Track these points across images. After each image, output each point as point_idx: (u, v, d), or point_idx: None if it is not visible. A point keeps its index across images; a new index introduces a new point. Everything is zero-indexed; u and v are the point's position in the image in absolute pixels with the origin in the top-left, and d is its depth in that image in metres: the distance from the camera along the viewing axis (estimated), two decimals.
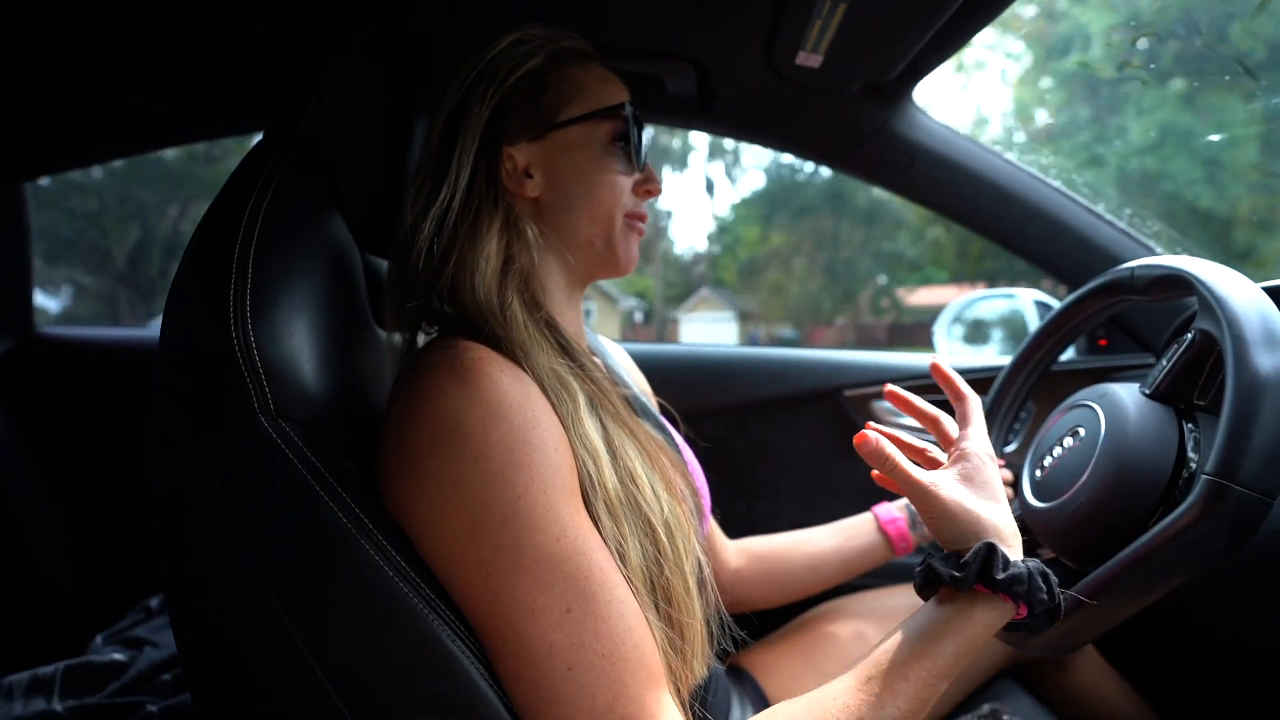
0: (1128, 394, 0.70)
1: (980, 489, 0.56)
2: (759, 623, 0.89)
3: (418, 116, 0.82)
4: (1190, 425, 0.65)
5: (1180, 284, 0.68)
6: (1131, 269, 0.74)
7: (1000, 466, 0.83)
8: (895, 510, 0.93)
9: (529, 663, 0.49)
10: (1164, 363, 0.69)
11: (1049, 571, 0.53)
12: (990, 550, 0.52)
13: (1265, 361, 0.56)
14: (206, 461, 0.52)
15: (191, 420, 0.53)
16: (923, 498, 0.55)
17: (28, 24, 0.86)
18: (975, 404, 0.62)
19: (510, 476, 0.50)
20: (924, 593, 0.55)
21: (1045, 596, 0.52)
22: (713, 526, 0.94)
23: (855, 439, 0.58)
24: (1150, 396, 0.69)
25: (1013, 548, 0.54)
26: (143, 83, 1.04)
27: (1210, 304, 0.62)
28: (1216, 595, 0.69)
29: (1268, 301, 0.60)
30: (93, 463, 1.41)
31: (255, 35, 0.88)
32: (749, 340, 15.87)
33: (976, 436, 0.59)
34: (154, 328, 1.63)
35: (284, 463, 0.51)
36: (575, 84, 0.67)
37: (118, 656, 0.99)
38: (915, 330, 16.74)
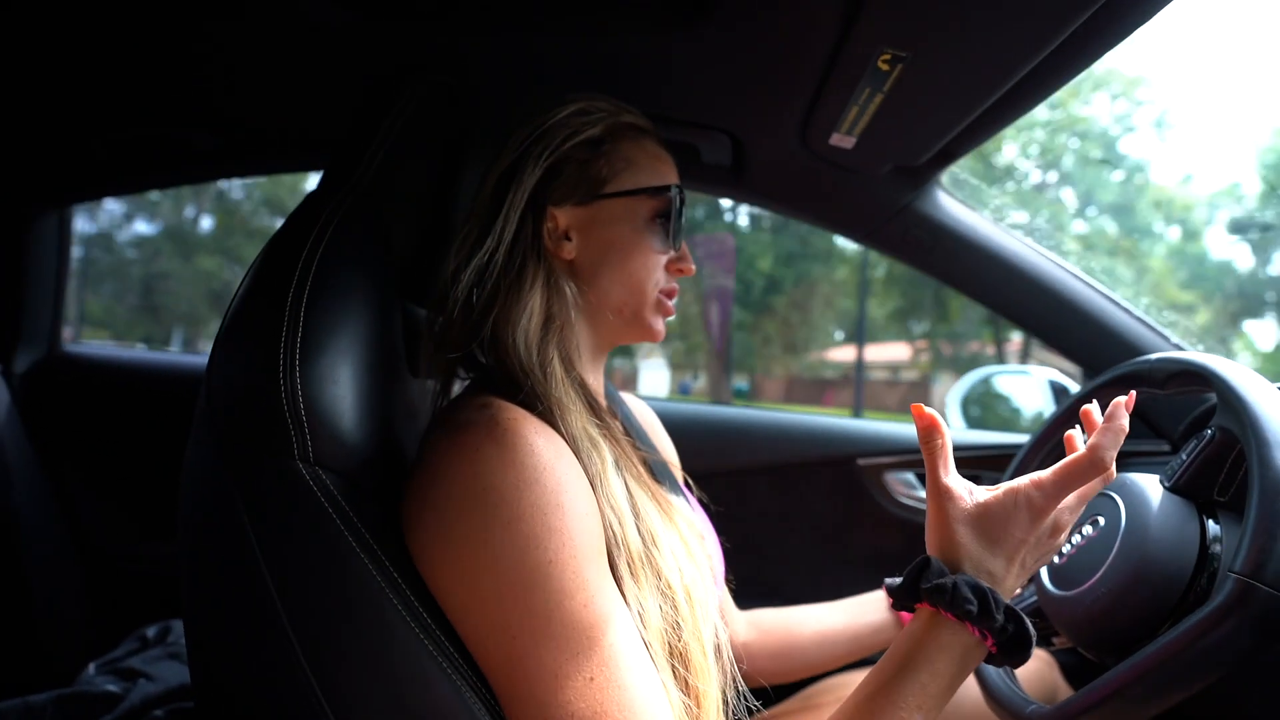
0: (1149, 485, 0.70)
1: (992, 534, 0.54)
2: (773, 693, 0.88)
3: (464, 169, 0.85)
4: (1212, 521, 0.65)
5: (1199, 379, 0.69)
6: (1151, 362, 0.75)
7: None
8: None
9: None
10: (1184, 457, 0.69)
11: (995, 593, 0.52)
12: (925, 564, 0.54)
13: None
14: (240, 501, 0.53)
15: (231, 459, 0.54)
16: (936, 496, 0.56)
17: (81, 51, 0.90)
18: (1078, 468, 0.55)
19: (543, 540, 0.51)
20: (895, 602, 0.56)
21: (977, 611, 0.51)
22: (724, 595, 0.93)
23: (912, 406, 0.58)
24: (1170, 490, 0.69)
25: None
26: (194, 116, 1.08)
27: (1231, 402, 0.63)
28: (1237, 701, 0.68)
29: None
30: (105, 484, 1.41)
31: (311, 76, 0.92)
32: (680, 389, 15.91)
33: (1054, 490, 0.54)
34: (177, 352, 1.64)
35: (318, 510, 0.52)
36: (627, 159, 0.70)
37: (111, 688, 0.97)
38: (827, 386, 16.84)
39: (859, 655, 0.90)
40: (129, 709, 0.93)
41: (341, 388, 0.56)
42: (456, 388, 0.70)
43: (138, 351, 1.54)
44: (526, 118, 0.69)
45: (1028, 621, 0.53)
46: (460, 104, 0.81)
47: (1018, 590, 0.57)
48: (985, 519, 0.54)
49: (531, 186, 0.67)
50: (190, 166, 1.25)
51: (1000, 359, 12.55)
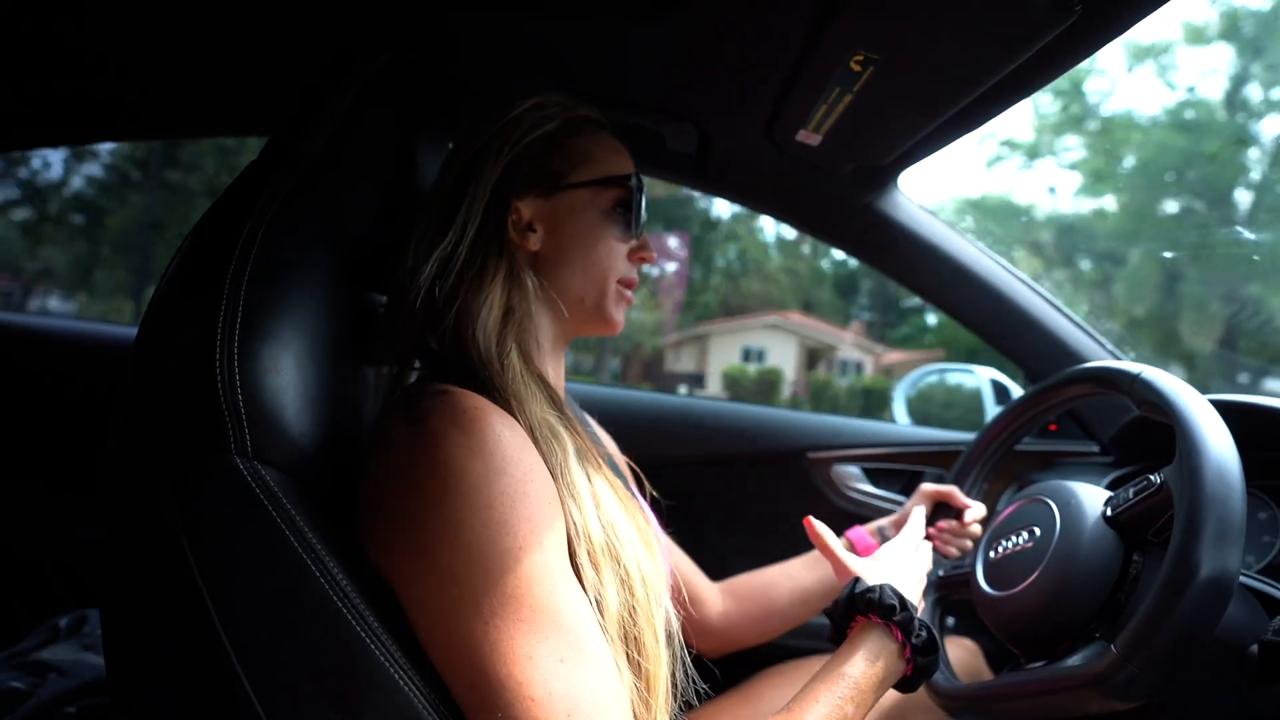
0: (1089, 509, 0.70)
1: (885, 565, 0.72)
2: (721, 674, 0.89)
3: (421, 151, 0.81)
4: (1137, 555, 0.67)
5: (1169, 419, 0.67)
6: (1134, 375, 0.73)
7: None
8: (868, 535, 0.96)
9: (530, 711, 0.48)
10: (1130, 494, 0.68)
11: (908, 600, 0.65)
12: (854, 581, 0.66)
13: (1206, 560, 0.56)
14: (171, 497, 0.49)
15: (159, 450, 0.50)
16: (843, 573, 0.71)
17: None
18: (912, 522, 0.83)
19: (513, 527, 0.51)
20: (835, 621, 0.68)
21: (897, 609, 0.63)
22: (695, 571, 0.97)
23: (804, 521, 0.74)
24: (1108, 520, 0.69)
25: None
26: (124, 73, 0.99)
27: (1185, 472, 0.61)
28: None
29: (1238, 492, 0.59)
30: (14, 461, 1.31)
31: (260, 39, 0.85)
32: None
33: (901, 541, 0.77)
34: (107, 324, 1.53)
35: (257, 508, 0.49)
36: (585, 151, 0.72)
37: (16, 684, 0.90)
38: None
39: (830, 595, 0.94)
40: (37, 706, 0.87)
41: (284, 377, 0.53)
42: (410, 377, 0.69)
43: (52, 320, 1.43)
44: (482, 110, 0.70)
45: (935, 633, 0.65)
46: (421, 82, 0.77)
47: (920, 605, 0.72)
48: (878, 561, 0.73)
49: (493, 181, 0.68)
50: (122, 124, 1.15)
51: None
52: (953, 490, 0.92)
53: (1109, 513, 0.70)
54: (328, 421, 0.58)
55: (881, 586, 0.65)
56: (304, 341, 0.56)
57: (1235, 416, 0.68)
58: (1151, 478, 0.66)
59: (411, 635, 0.52)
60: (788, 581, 0.96)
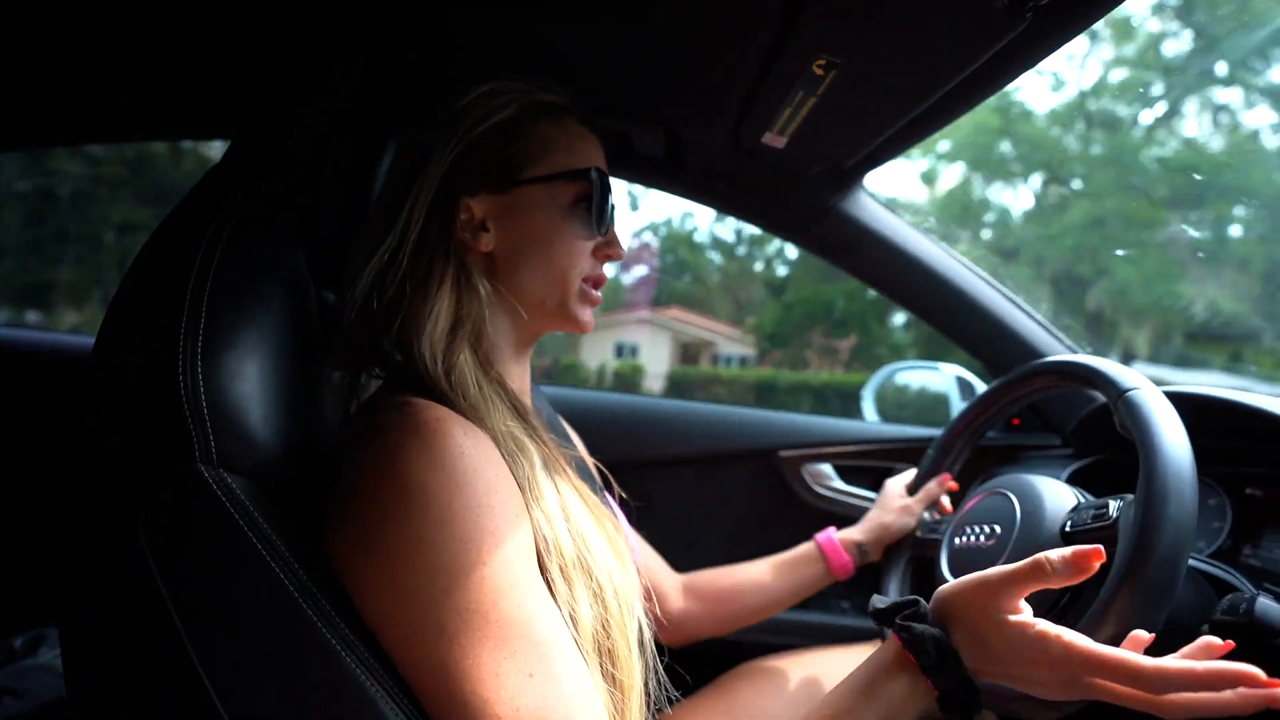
0: (1048, 520, 0.72)
1: (1003, 651, 0.51)
2: (693, 681, 0.89)
3: (386, 152, 0.81)
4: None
5: (1137, 436, 0.66)
6: (1125, 388, 0.71)
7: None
8: (835, 537, 0.96)
9: None
10: (1088, 518, 0.69)
11: (949, 648, 0.52)
12: (915, 602, 0.54)
13: (1134, 617, 0.57)
14: (136, 507, 0.48)
15: (122, 459, 0.49)
16: (1005, 601, 0.51)
17: None
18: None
19: (476, 541, 0.50)
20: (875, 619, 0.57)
21: (931, 664, 0.51)
22: (659, 564, 0.96)
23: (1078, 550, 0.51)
24: (1065, 537, 0.70)
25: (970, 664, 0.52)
26: (123, 73, 0.95)
27: (1142, 519, 0.60)
28: None
29: (1184, 545, 0.59)
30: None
31: (259, 39, 0.83)
32: None
33: (1089, 669, 0.48)
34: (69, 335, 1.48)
35: (223, 516, 0.48)
36: (545, 140, 0.66)
37: None
38: None
39: (796, 602, 0.96)
40: None
41: (250, 384, 0.52)
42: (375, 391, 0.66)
43: (12, 331, 1.38)
44: (436, 99, 0.65)
45: (979, 692, 0.52)
46: (382, 82, 0.76)
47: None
48: (1015, 641, 0.50)
49: (440, 176, 0.63)
50: (126, 122, 1.11)
51: None
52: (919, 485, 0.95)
53: (1067, 528, 0.71)
54: (296, 427, 0.57)
55: (924, 632, 0.52)
56: (270, 347, 0.55)
57: (1187, 407, 0.70)
58: (1111, 509, 0.66)
59: None
60: (756, 591, 0.95)
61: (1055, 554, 0.49)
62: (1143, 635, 0.51)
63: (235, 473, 0.50)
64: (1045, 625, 0.49)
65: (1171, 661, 0.46)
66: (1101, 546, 0.49)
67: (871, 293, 1.22)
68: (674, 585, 0.96)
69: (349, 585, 0.51)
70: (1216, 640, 0.48)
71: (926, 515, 0.98)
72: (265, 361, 0.54)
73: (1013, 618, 0.50)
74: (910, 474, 1.04)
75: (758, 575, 0.96)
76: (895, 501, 0.98)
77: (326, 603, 0.49)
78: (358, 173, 0.73)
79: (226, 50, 0.85)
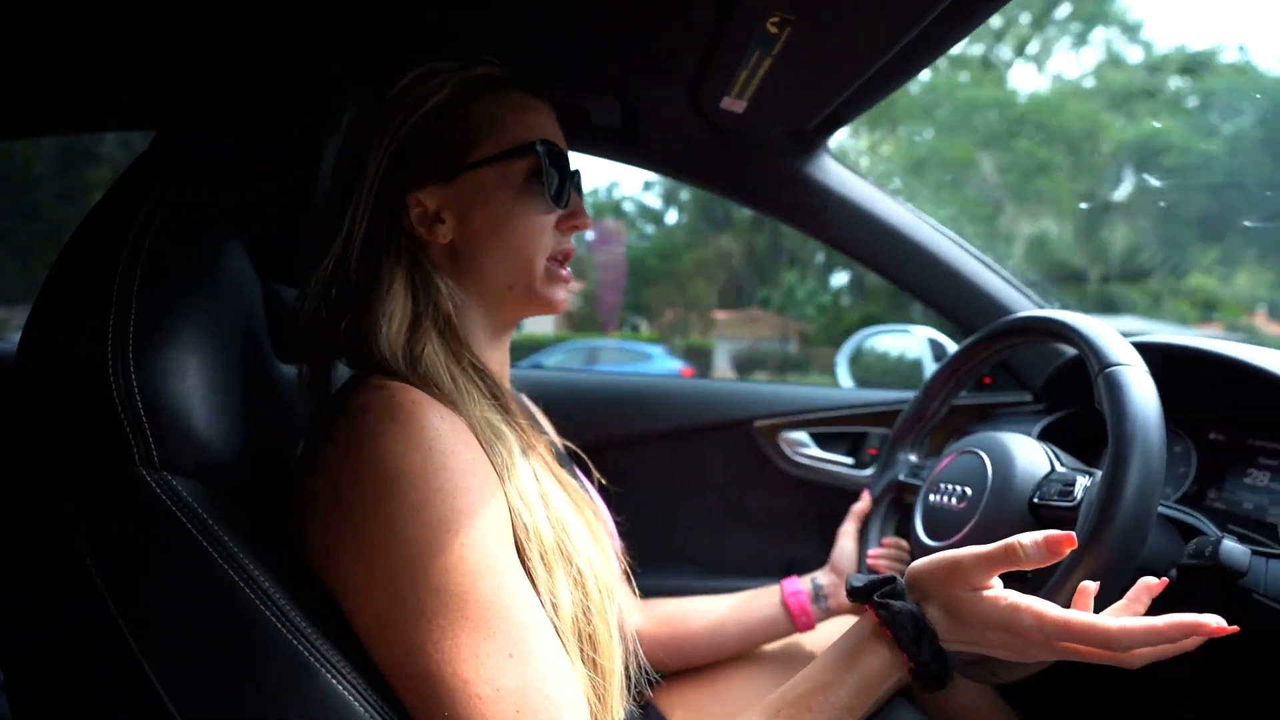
0: (1018, 488, 0.71)
1: (973, 619, 0.53)
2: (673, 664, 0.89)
3: (330, 135, 0.77)
4: None
5: (1110, 419, 0.64)
6: (1107, 365, 0.67)
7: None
8: (801, 584, 0.90)
9: (476, 709, 0.47)
10: (1054, 493, 0.69)
11: (934, 634, 0.54)
12: (891, 580, 0.57)
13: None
14: (74, 518, 0.46)
15: (58, 468, 0.47)
16: (974, 574, 0.53)
17: None
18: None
19: (453, 523, 0.49)
20: (850, 597, 0.58)
21: (908, 640, 0.53)
22: (624, 586, 0.91)
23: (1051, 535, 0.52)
24: (1032, 508, 0.70)
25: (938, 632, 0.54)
26: (123, 72, 0.90)
27: (1100, 511, 0.59)
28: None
29: (1142, 538, 0.59)
30: None
31: (259, 39, 0.78)
32: None
33: (1056, 635, 0.51)
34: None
35: (169, 521, 0.46)
36: (488, 117, 0.63)
37: None
38: None
39: (749, 648, 0.90)
40: None
41: (191, 381, 0.50)
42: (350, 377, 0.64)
43: None
44: (372, 91, 0.62)
45: (950, 663, 0.54)
46: (323, 67, 0.73)
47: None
48: (988, 614, 0.52)
49: (380, 176, 0.60)
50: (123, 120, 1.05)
51: None
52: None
53: (1035, 499, 0.70)
54: (248, 424, 0.55)
55: (901, 608, 0.54)
56: (214, 342, 0.53)
57: (1155, 357, 0.70)
58: (1077, 488, 0.66)
59: (352, 639, 0.50)
60: (706, 614, 0.90)
61: (1028, 538, 0.52)
62: (1090, 586, 0.54)
63: (181, 475, 0.48)
64: (1016, 597, 0.52)
65: (1135, 621, 0.49)
66: (1074, 534, 0.51)
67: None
68: (635, 607, 0.92)
69: (325, 571, 0.50)
70: (1153, 580, 0.53)
71: (913, 457, 0.97)
72: (209, 357, 0.52)
73: (986, 593, 0.53)
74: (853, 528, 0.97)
75: (712, 602, 0.92)
76: (846, 560, 0.92)
77: (287, 602, 0.47)
78: (299, 154, 0.70)
79: (226, 50, 0.81)
